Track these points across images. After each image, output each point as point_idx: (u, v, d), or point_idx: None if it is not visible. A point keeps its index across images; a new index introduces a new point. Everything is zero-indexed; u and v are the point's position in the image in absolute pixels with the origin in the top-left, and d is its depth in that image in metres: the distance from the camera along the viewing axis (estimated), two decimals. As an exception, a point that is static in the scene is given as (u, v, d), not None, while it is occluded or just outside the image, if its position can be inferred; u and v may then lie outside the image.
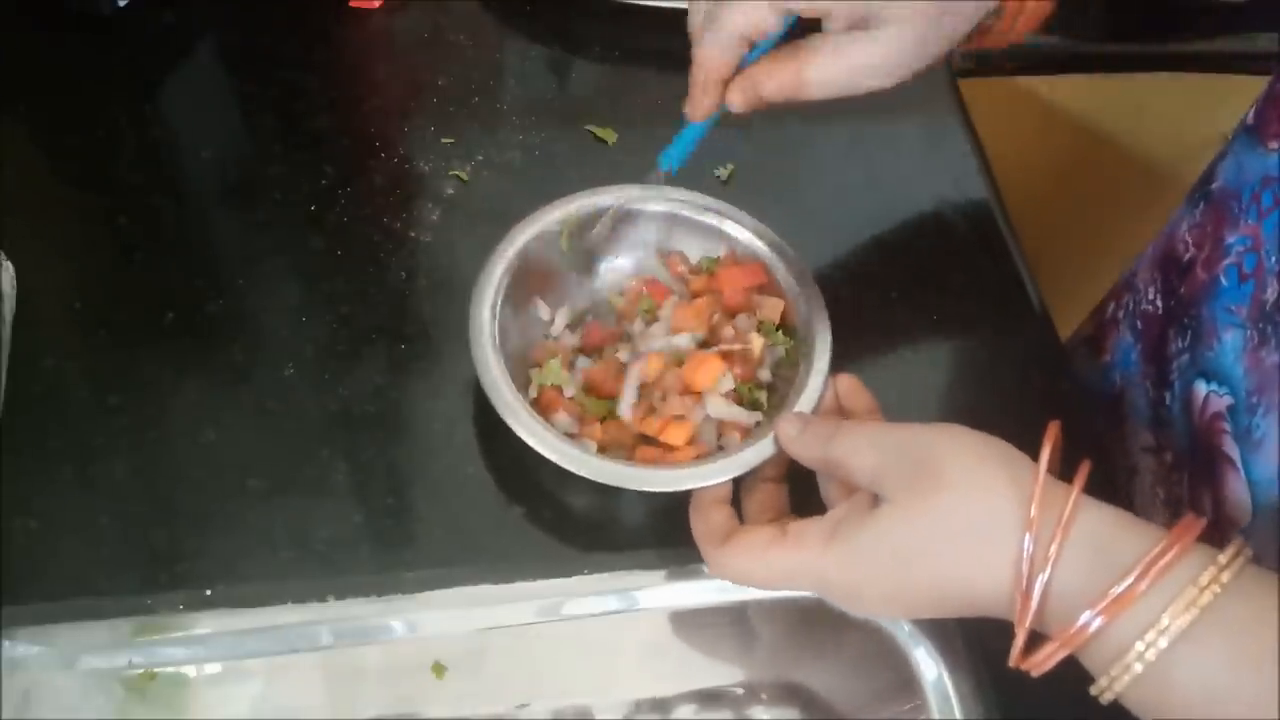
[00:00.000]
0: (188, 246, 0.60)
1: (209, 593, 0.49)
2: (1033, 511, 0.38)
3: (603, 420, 0.52)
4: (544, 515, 0.53)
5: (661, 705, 0.59)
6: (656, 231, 0.57)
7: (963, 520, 0.39)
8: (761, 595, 0.52)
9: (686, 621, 0.54)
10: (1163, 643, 0.35)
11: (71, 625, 0.48)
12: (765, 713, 0.59)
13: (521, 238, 0.54)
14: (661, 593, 0.52)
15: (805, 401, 0.50)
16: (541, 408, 0.51)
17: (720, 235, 0.57)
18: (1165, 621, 0.35)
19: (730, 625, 0.55)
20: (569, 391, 0.52)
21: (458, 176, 0.64)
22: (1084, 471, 0.39)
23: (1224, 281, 0.54)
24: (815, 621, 0.54)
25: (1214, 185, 0.58)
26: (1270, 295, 0.51)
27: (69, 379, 0.54)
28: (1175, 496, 0.59)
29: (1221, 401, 0.53)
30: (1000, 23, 0.50)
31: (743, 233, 0.56)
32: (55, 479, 0.51)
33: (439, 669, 0.54)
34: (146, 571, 0.49)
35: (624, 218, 0.56)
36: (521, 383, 0.51)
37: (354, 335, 0.57)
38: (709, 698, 0.59)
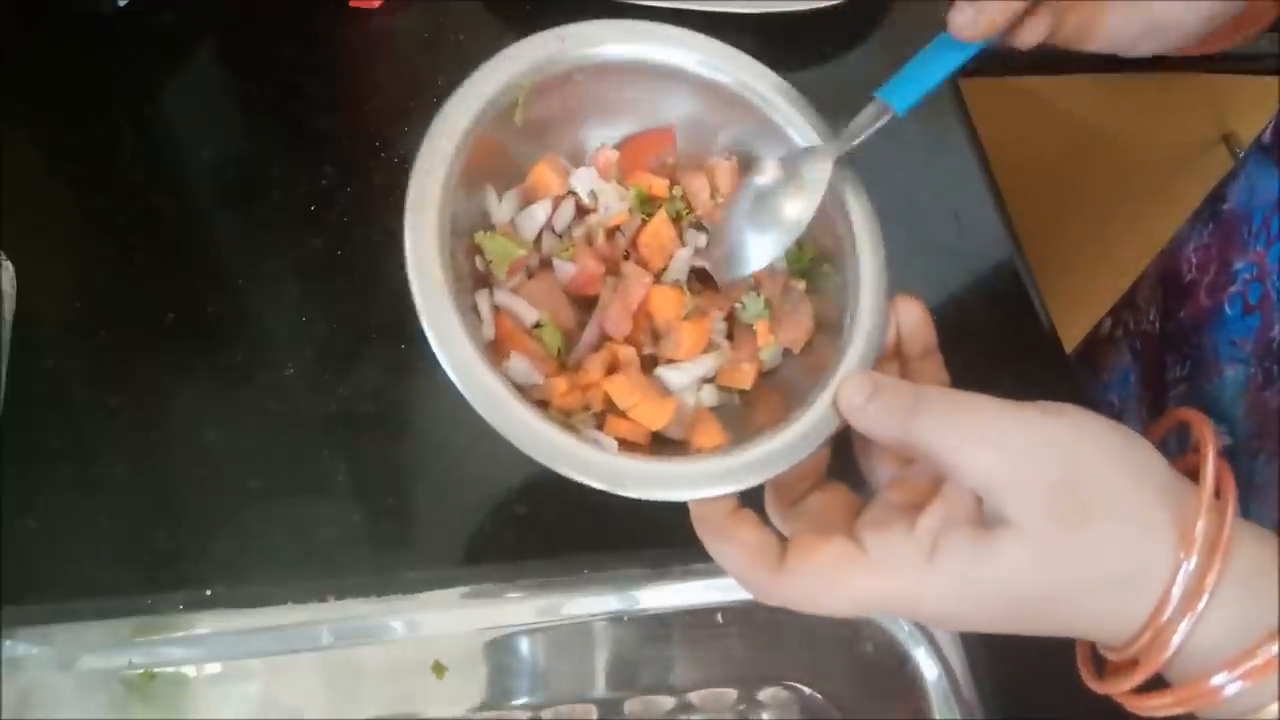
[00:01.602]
0: (188, 246, 0.60)
1: (209, 593, 0.49)
2: (1196, 534, 0.31)
3: (564, 369, 0.42)
4: (544, 515, 0.53)
5: (662, 705, 0.59)
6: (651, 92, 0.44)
7: (1114, 562, 0.32)
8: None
9: (686, 621, 0.54)
10: None
11: (71, 625, 0.48)
12: (765, 713, 0.59)
13: (461, 116, 0.42)
14: (661, 593, 0.52)
15: (858, 349, 0.38)
16: (499, 343, 0.41)
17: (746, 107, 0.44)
18: None
19: (730, 625, 0.55)
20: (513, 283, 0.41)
21: (458, 176, 0.64)
22: (1231, 483, 0.33)
23: (1228, 311, 0.52)
24: (815, 622, 0.54)
25: (1225, 206, 0.56)
26: (1277, 332, 0.48)
27: (69, 379, 0.54)
28: None
29: (1219, 440, 0.50)
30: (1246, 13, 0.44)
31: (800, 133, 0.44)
32: (55, 479, 0.51)
33: (439, 669, 0.54)
34: (146, 571, 0.49)
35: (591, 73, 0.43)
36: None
37: (354, 335, 0.57)
38: (709, 698, 0.59)
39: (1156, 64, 0.87)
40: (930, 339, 0.40)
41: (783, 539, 0.36)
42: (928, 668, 0.51)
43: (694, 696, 0.59)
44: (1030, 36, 0.41)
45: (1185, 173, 1.00)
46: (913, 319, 0.40)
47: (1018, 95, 0.89)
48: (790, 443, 0.37)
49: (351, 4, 0.72)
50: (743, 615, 0.55)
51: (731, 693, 0.60)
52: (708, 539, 0.37)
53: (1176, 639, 0.31)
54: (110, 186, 0.62)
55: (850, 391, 0.37)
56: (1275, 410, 0.48)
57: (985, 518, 0.34)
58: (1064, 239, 0.99)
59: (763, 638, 0.57)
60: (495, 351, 0.41)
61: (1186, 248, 0.59)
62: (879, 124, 0.42)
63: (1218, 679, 0.31)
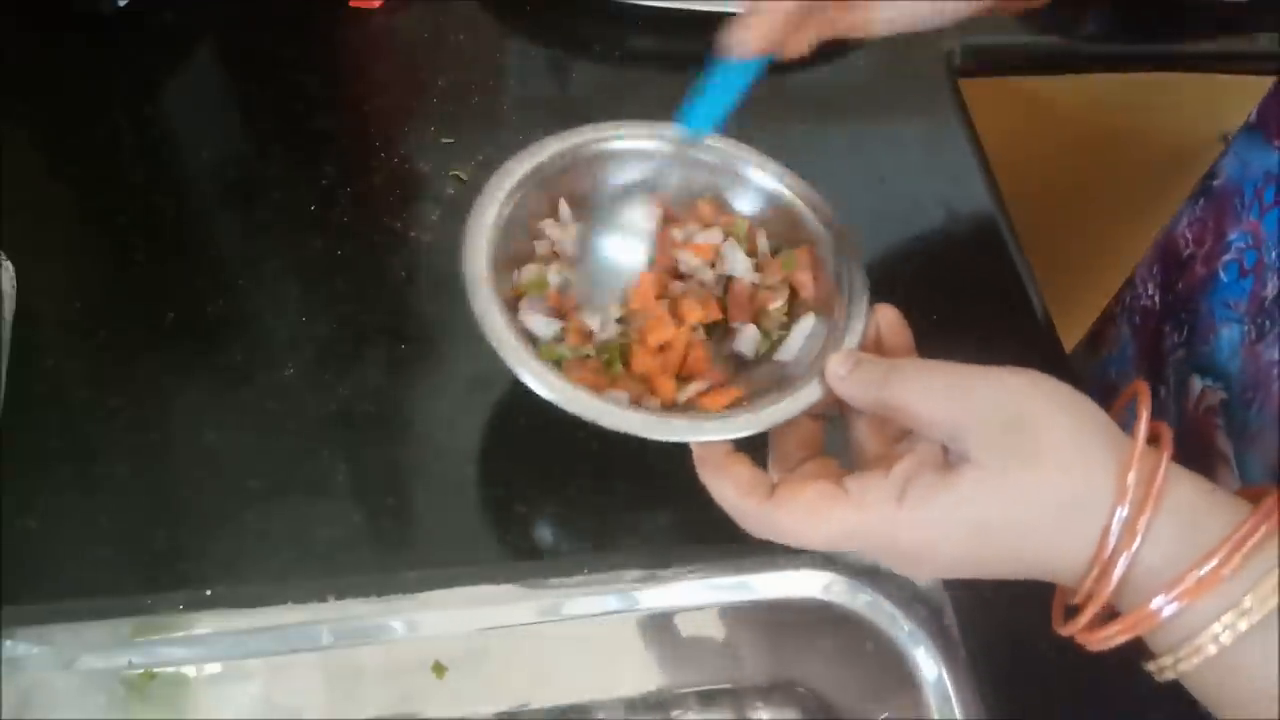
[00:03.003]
0: (188, 246, 0.60)
1: (209, 593, 0.49)
2: (1129, 481, 0.35)
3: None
4: (544, 515, 0.53)
5: (661, 705, 0.59)
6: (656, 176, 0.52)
7: (1057, 494, 0.36)
8: (760, 595, 0.53)
9: (686, 621, 0.54)
10: (1242, 625, 0.33)
11: (71, 625, 0.48)
12: (765, 713, 0.59)
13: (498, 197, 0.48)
14: (661, 593, 0.52)
15: (849, 343, 0.46)
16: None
17: (738, 179, 0.53)
18: (1247, 603, 0.33)
19: (730, 625, 0.55)
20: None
21: (458, 176, 0.64)
22: (1168, 437, 0.37)
23: (1223, 277, 0.55)
24: (815, 621, 0.54)
25: (1216, 181, 0.58)
26: (1270, 291, 0.51)
27: (69, 379, 0.54)
28: None
29: (1215, 396, 0.53)
30: None
31: (763, 177, 0.53)
32: (55, 479, 0.51)
33: (439, 669, 0.54)
34: (146, 571, 0.49)
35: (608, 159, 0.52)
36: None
37: (354, 335, 0.57)
38: (709, 698, 0.59)
39: (1156, 64, 0.87)
40: (908, 342, 0.46)
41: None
42: (927, 668, 0.51)
43: (693, 696, 0.59)
44: (798, 47, 0.45)
45: (1185, 172, 1.00)
46: (889, 319, 0.46)
47: (1018, 95, 0.89)
48: (784, 407, 0.44)
49: (351, 4, 0.72)
50: (743, 615, 0.55)
51: (730, 693, 0.60)
52: (706, 475, 0.42)
53: (1117, 573, 0.35)
54: (110, 186, 0.62)
55: (835, 364, 0.43)
56: (1267, 363, 0.50)
57: (950, 463, 0.38)
58: (1063, 238, 0.99)
59: (763, 638, 0.57)
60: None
61: (1180, 226, 0.61)
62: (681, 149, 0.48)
63: (1155, 602, 0.34)
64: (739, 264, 0.51)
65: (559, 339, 0.48)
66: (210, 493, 0.51)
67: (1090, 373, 0.70)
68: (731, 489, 0.41)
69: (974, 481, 0.37)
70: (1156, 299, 0.62)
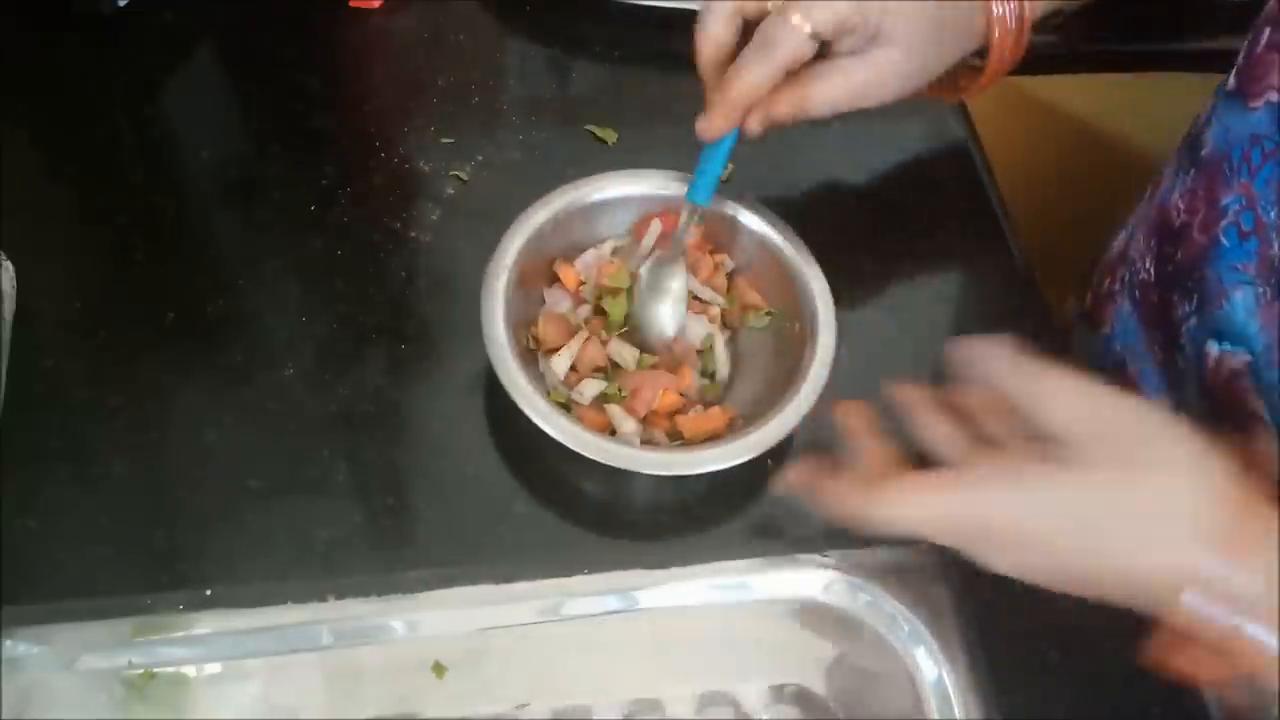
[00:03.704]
0: (188, 246, 0.60)
1: (209, 593, 0.49)
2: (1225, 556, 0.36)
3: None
4: (544, 515, 0.53)
5: (661, 705, 0.59)
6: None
7: (1166, 504, 0.37)
8: (760, 595, 0.53)
9: (686, 621, 0.54)
10: None
11: (71, 625, 0.48)
12: (765, 713, 0.59)
13: (515, 243, 0.54)
14: (661, 593, 0.52)
15: (813, 382, 0.51)
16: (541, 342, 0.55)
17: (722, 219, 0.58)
18: None
19: (730, 625, 0.55)
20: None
21: (458, 176, 0.64)
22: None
23: (1224, 241, 0.55)
24: (815, 621, 0.54)
25: (1203, 151, 0.58)
26: (1277, 250, 0.51)
27: (69, 379, 0.54)
28: None
29: (1238, 359, 0.53)
30: (986, 62, 0.54)
31: (744, 214, 0.57)
32: (55, 479, 0.51)
33: (439, 669, 0.54)
34: (146, 571, 0.49)
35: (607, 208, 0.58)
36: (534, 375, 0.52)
37: (354, 335, 0.57)
38: (709, 698, 0.59)
39: (1156, 64, 0.87)
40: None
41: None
42: (928, 668, 0.51)
43: (692, 696, 0.59)
44: (752, 128, 0.51)
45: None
46: (844, 412, 0.47)
47: (1018, 95, 0.89)
48: (774, 428, 0.50)
49: (351, 4, 0.72)
50: (743, 615, 0.55)
51: (730, 693, 0.60)
52: (806, 493, 0.44)
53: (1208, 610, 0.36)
54: (110, 186, 0.62)
55: (996, 351, 0.43)
56: None
57: (1058, 457, 0.39)
58: (1063, 238, 0.99)
59: (763, 638, 0.57)
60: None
61: (1171, 198, 0.61)
62: (696, 219, 0.55)
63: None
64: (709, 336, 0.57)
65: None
66: (210, 492, 0.51)
67: (1091, 352, 0.69)
68: (833, 497, 0.42)
69: (1091, 477, 0.38)
70: (1153, 270, 0.62)
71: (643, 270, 0.56)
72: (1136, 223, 0.67)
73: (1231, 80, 0.57)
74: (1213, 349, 0.55)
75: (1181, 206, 0.59)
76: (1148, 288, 0.63)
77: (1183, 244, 0.58)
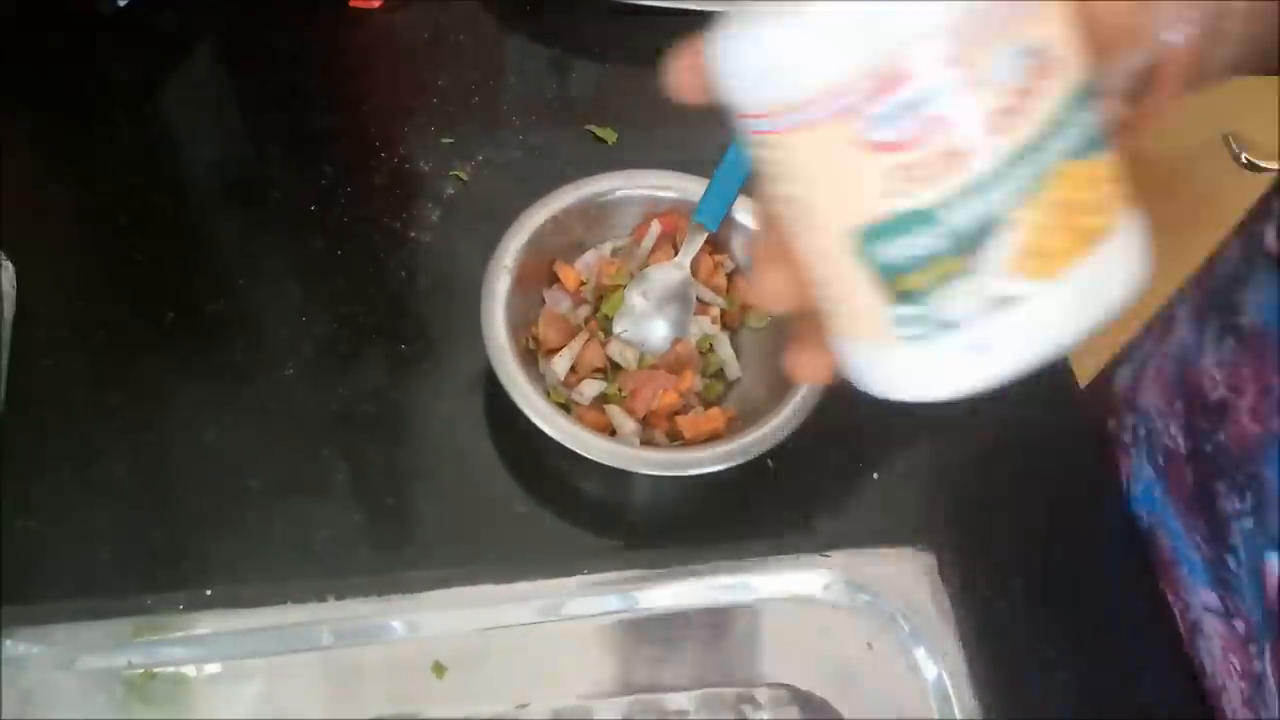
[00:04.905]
0: (188, 246, 0.60)
1: (209, 593, 0.49)
2: None
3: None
4: (544, 515, 0.53)
5: (661, 705, 0.59)
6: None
7: None
8: (761, 595, 0.53)
9: (686, 621, 0.54)
10: None
11: (71, 625, 0.48)
12: (765, 713, 0.59)
13: (515, 242, 0.55)
14: (661, 593, 0.52)
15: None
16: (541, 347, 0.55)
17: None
18: None
19: (730, 625, 0.55)
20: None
21: (458, 176, 0.64)
22: None
23: None
24: (815, 621, 0.54)
25: (1244, 320, 0.50)
26: None
27: (69, 379, 0.54)
28: (1253, 671, 0.50)
29: None
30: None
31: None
32: (55, 479, 0.51)
33: (439, 669, 0.54)
34: (146, 571, 0.49)
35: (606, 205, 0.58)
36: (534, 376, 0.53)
37: (354, 335, 0.57)
38: (708, 698, 0.59)
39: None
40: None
41: None
42: (927, 668, 0.51)
43: (693, 697, 0.59)
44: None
45: (1185, 173, 1.00)
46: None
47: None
48: (772, 430, 0.51)
49: (351, 4, 0.72)
50: (742, 615, 0.55)
51: (730, 693, 0.60)
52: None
53: None
54: (110, 186, 0.62)
55: None
56: None
57: None
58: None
59: (762, 637, 0.57)
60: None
61: (1203, 360, 0.52)
62: (702, 240, 0.56)
63: None
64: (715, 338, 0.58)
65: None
66: (210, 493, 0.51)
67: (1107, 495, 0.60)
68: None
69: None
70: (1181, 441, 0.54)
71: (636, 283, 0.56)
72: (1145, 362, 0.59)
73: (1273, 240, 0.48)
74: (1274, 561, 0.47)
75: (1219, 378, 0.51)
76: (1177, 460, 0.54)
77: (1226, 426, 0.50)
